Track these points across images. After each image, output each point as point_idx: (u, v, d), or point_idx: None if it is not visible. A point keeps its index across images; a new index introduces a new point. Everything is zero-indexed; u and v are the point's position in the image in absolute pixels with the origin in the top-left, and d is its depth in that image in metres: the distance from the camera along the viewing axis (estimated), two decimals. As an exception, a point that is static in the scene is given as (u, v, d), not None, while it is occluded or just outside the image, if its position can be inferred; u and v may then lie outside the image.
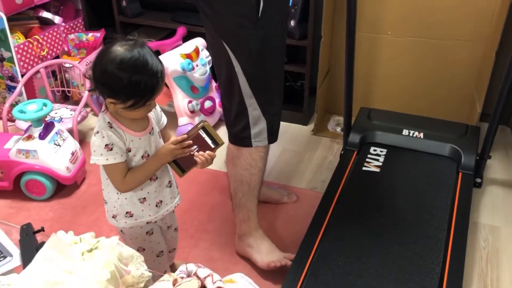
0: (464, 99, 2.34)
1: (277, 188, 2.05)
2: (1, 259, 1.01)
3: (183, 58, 2.28)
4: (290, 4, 2.27)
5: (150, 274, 0.96)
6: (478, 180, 2.02)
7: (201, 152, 1.23)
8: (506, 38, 2.13)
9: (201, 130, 1.23)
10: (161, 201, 1.32)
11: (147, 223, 1.32)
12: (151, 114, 1.27)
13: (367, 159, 1.94)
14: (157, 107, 1.30)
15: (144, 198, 1.28)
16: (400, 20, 2.27)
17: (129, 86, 1.10)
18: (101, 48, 1.13)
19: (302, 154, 2.35)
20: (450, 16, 2.18)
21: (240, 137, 1.56)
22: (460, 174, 1.88)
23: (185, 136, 1.23)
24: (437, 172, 1.89)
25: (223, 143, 1.26)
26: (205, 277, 0.85)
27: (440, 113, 2.24)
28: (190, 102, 2.33)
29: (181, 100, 2.32)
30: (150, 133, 1.24)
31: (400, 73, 2.40)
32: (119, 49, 1.10)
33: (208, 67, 2.39)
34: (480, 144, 2.02)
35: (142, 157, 1.23)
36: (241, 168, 1.60)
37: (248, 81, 1.45)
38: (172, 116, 2.38)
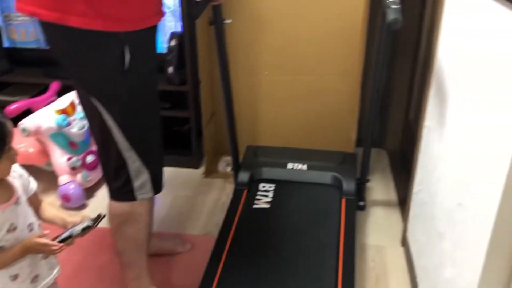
0: (341, 128, 2.48)
1: (170, 238, 1.99)
2: None
3: (58, 114, 2.17)
4: (165, 52, 2.29)
5: None
6: (361, 203, 2.15)
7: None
8: (367, 72, 2.34)
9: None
10: (37, 276, 1.21)
11: (23, 301, 1.20)
12: (17, 182, 1.17)
13: (257, 196, 1.97)
14: (24, 173, 1.22)
15: (17, 275, 1.17)
16: (274, 60, 2.37)
17: None
18: None
19: (195, 199, 2.32)
20: (318, 54, 2.32)
21: (123, 192, 1.49)
22: (344, 200, 1.97)
23: (61, 244, 1.15)
24: (323, 201, 1.97)
25: (105, 215, 1.21)
26: None
27: (322, 144, 2.35)
28: (69, 158, 2.20)
29: (59, 158, 2.19)
30: (15, 203, 1.15)
31: (281, 109, 2.49)
32: None
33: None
34: (359, 169, 2.15)
35: (8, 231, 1.12)
36: (126, 225, 1.53)
37: (124, 133, 1.41)
38: (53, 176, 2.24)
